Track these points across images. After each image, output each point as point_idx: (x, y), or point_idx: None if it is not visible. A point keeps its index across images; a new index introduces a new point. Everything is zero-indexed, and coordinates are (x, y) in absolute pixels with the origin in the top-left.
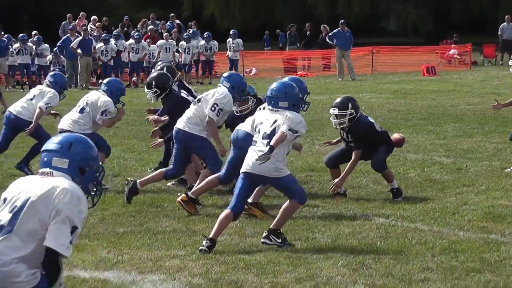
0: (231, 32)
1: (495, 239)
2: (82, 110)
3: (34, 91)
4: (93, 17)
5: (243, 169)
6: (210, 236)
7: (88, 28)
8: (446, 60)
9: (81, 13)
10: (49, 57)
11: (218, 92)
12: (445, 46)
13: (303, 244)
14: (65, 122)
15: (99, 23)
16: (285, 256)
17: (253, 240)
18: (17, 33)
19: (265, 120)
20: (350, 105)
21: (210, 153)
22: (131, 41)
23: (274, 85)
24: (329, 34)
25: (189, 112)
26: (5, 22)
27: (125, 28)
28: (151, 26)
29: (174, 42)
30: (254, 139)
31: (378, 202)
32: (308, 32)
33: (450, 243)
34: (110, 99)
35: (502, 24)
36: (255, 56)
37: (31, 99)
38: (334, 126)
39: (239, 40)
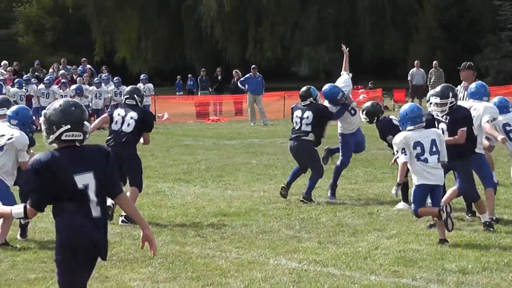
0: (141, 77)
1: (406, 283)
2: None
3: None
4: (4, 62)
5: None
6: None
7: None
8: (358, 105)
9: None
10: None
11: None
12: (355, 92)
13: None
14: None
15: (10, 68)
16: None
17: (165, 285)
18: None
19: None
20: (450, 94)
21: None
22: (42, 86)
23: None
24: (241, 79)
25: None
26: None
27: (36, 73)
28: (62, 71)
29: (88, 86)
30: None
31: (291, 246)
32: (219, 77)
33: None
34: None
35: (412, 70)
36: (167, 101)
37: None
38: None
39: (150, 85)
